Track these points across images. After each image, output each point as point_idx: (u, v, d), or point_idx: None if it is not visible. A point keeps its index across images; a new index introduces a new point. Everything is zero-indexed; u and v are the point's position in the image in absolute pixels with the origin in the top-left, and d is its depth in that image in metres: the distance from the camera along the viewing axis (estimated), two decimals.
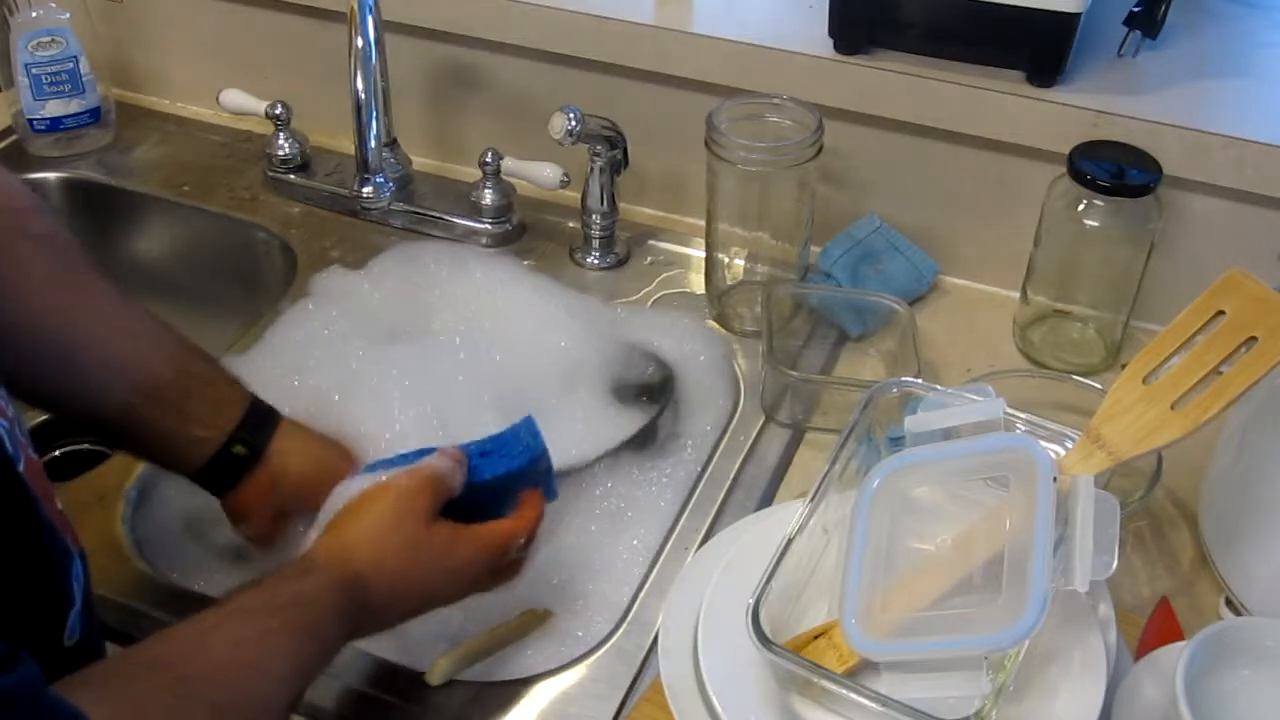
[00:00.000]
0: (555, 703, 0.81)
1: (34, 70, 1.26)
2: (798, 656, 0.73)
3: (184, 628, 0.63)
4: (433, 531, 0.75)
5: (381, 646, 0.85)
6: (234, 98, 1.30)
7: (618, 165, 1.14)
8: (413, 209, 1.24)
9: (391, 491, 0.75)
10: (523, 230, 1.22)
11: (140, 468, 0.98)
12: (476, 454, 0.80)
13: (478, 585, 0.79)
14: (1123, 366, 0.83)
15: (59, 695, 0.53)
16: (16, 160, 1.31)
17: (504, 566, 0.80)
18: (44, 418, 0.87)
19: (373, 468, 0.80)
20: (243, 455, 0.82)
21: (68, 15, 1.26)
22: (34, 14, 1.25)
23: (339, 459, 0.86)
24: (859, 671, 0.75)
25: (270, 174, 1.29)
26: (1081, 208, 1.00)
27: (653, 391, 1.03)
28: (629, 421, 1.00)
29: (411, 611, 0.76)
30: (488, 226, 1.21)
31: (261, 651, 0.64)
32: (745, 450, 0.98)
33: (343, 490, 0.77)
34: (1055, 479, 0.73)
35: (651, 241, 1.22)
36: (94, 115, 1.32)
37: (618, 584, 0.92)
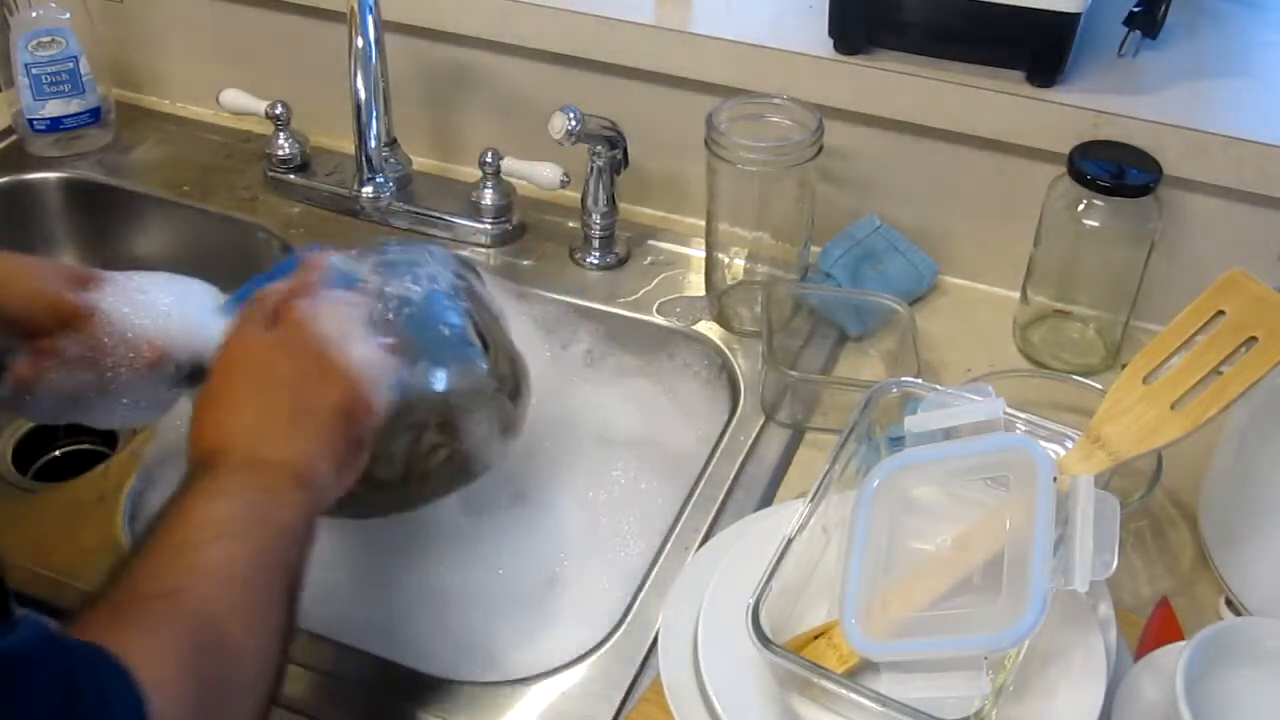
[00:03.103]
0: (555, 703, 0.81)
1: (34, 70, 1.26)
2: (798, 656, 0.73)
3: (163, 554, 0.62)
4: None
5: (379, 645, 0.85)
6: (234, 98, 1.30)
7: (618, 165, 1.14)
8: (413, 209, 1.23)
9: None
10: (523, 230, 1.22)
11: (140, 467, 0.98)
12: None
13: (303, 365, 0.74)
14: (1123, 366, 0.83)
15: (81, 642, 0.51)
16: (16, 160, 1.31)
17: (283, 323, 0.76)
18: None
19: (238, 299, 0.80)
20: None
21: (68, 15, 1.26)
22: (34, 14, 1.25)
23: (59, 270, 0.83)
24: (859, 671, 0.75)
25: (270, 174, 1.28)
26: (1081, 208, 1.00)
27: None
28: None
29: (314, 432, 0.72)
30: (488, 226, 1.21)
31: (248, 561, 0.63)
32: (745, 450, 0.98)
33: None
34: (1055, 479, 0.73)
35: (651, 241, 1.22)
36: (94, 115, 1.32)
37: (618, 584, 0.92)
